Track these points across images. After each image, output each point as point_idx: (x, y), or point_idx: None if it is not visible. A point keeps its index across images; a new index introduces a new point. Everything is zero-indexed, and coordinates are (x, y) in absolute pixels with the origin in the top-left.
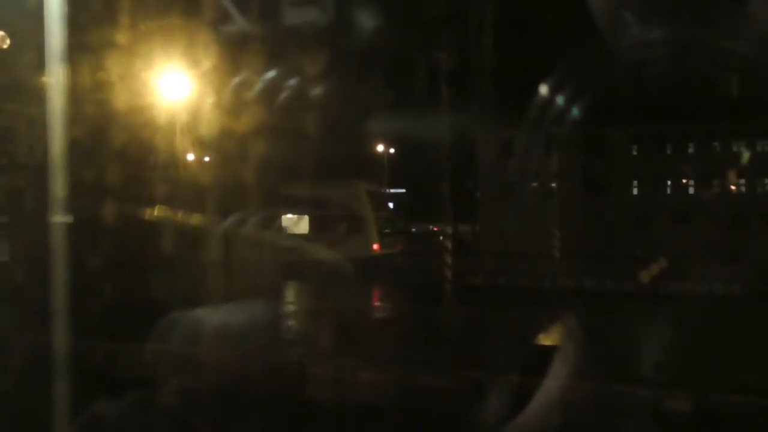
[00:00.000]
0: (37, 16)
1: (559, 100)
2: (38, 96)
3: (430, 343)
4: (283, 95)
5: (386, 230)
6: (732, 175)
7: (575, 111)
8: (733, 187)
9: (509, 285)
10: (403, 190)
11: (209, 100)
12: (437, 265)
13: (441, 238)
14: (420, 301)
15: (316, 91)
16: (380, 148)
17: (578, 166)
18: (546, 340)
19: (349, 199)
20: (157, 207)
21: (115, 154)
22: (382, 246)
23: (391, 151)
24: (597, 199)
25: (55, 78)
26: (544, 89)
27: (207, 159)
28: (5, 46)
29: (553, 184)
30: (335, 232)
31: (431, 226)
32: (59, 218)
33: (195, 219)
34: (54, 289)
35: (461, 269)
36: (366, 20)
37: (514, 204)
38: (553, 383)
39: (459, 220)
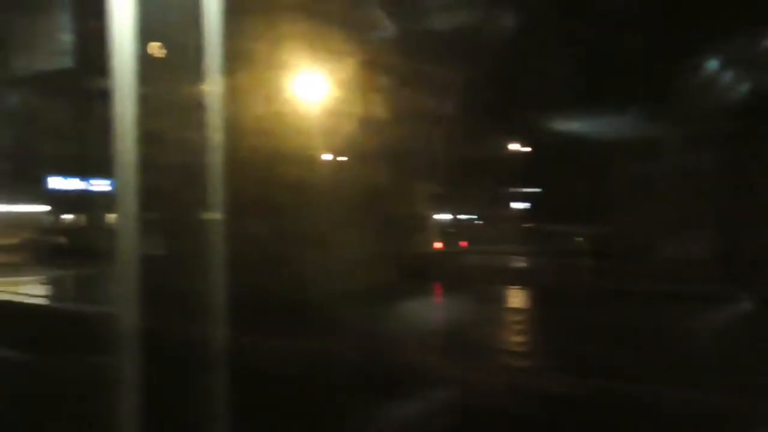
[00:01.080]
0: (195, 24)
1: (715, 92)
2: (192, 101)
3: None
4: (431, 98)
5: (450, 230)
6: None
7: (732, 103)
8: None
9: (650, 290)
10: (539, 190)
11: (357, 104)
12: (569, 267)
13: (579, 239)
14: (568, 304)
15: (460, 93)
16: (516, 146)
17: (732, 165)
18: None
19: (410, 198)
20: (305, 206)
21: (269, 157)
22: (445, 244)
23: (527, 150)
24: (752, 200)
25: (213, 85)
26: (696, 79)
27: (347, 160)
28: (162, 55)
29: (703, 184)
30: (397, 230)
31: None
32: (215, 215)
33: (343, 220)
34: (212, 285)
35: (598, 272)
36: (510, 22)
37: (658, 205)
38: None
39: (596, 221)
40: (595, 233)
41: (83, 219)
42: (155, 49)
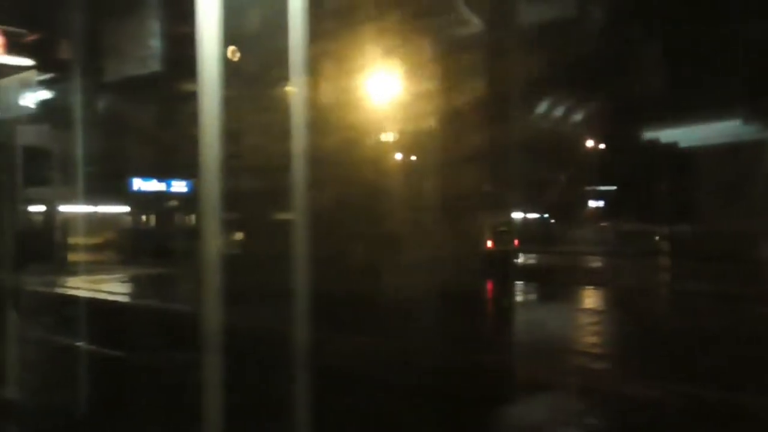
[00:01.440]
0: (279, 28)
1: None
2: (276, 104)
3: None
4: (512, 95)
5: (503, 228)
6: None
7: None
8: None
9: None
10: (614, 188)
11: (436, 104)
12: (648, 268)
13: (656, 239)
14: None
15: (542, 90)
16: (590, 143)
17: None
18: None
19: (477, 198)
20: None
21: (347, 158)
22: (496, 243)
23: (601, 146)
24: None
25: (297, 87)
26: None
27: (423, 160)
28: (236, 59)
29: None
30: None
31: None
32: (298, 216)
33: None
34: (296, 284)
35: (680, 273)
36: (600, 16)
37: (740, 203)
38: None
39: (676, 220)
40: (676, 233)
41: (162, 219)
42: (231, 52)
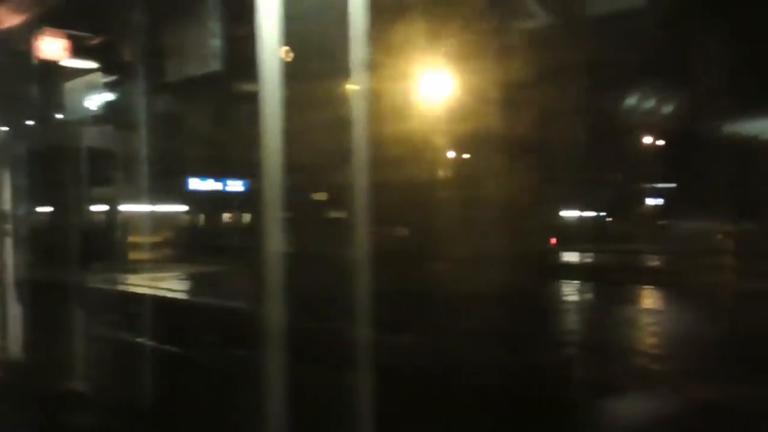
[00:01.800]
0: (340, 28)
1: None
2: (337, 103)
3: None
4: (571, 90)
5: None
6: None
7: None
8: None
9: None
10: (673, 185)
11: (496, 100)
12: (710, 267)
13: (719, 237)
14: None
15: (602, 84)
16: (649, 140)
17: None
18: None
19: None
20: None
21: (405, 155)
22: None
23: (661, 143)
24: None
25: (358, 86)
26: None
27: (477, 158)
28: (289, 59)
29: None
30: (520, 227)
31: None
32: (359, 215)
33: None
34: (356, 284)
35: (745, 272)
36: (669, 5)
37: None
38: None
39: (741, 217)
40: (742, 231)
41: (219, 218)
42: (285, 53)
